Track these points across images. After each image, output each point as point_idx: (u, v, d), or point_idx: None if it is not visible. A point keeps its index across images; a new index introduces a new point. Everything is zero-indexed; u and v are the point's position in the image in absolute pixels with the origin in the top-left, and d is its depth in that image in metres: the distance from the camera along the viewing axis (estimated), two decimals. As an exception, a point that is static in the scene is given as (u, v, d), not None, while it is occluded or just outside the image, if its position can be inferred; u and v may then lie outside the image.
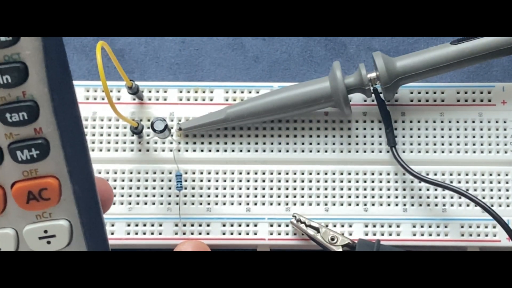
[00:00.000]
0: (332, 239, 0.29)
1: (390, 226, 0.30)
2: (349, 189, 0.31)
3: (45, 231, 0.18)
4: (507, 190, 0.31)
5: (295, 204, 0.31)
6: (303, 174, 0.31)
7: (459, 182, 0.31)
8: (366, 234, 0.30)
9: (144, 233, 0.30)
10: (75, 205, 0.18)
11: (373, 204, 0.31)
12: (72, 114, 0.18)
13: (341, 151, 0.31)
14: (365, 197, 0.31)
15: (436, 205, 0.31)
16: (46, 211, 0.18)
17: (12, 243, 0.18)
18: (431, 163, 0.31)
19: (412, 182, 0.31)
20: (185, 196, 0.31)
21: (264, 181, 0.31)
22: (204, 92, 0.32)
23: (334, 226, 0.30)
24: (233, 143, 0.31)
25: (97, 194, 0.19)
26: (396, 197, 0.31)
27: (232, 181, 0.31)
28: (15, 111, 0.17)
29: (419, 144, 0.31)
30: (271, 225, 0.30)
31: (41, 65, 0.17)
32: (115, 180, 0.31)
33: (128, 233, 0.30)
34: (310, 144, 0.31)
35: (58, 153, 0.18)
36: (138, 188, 0.31)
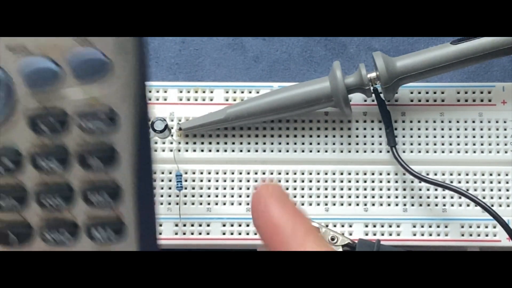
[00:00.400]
0: (332, 239, 0.29)
1: (390, 226, 0.30)
2: (349, 189, 0.31)
3: None
4: (507, 190, 0.31)
5: (295, 204, 0.31)
6: (303, 174, 0.31)
7: (459, 182, 0.31)
8: (366, 234, 0.30)
9: (144, 233, 0.30)
10: None
11: (373, 204, 0.31)
12: (150, 195, 0.18)
13: (341, 151, 0.31)
14: (365, 197, 0.31)
15: (436, 205, 0.31)
16: None
17: None
18: (431, 163, 0.31)
19: (412, 182, 0.31)
20: (185, 196, 0.31)
21: (264, 181, 0.31)
22: (204, 92, 0.32)
23: (334, 226, 0.30)
24: (233, 143, 0.31)
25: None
26: (396, 197, 0.31)
27: (232, 181, 0.31)
28: (100, 195, 0.17)
29: (419, 144, 0.31)
30: (271, 225, 0.30)
31: (131, 152, 0.17)
32: (115, 180, 0.31)
33: (128, 233, 0.30)
34: (310, 144, 0.31)
35: (132, 234, 0.18)
36: (138, 188, 0.31)
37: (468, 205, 0.31)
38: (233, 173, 0.31)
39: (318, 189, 0.31)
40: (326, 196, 0.31)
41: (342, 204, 0.31)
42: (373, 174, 0.31)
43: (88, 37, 0.16)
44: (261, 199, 0.23)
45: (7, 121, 0.16)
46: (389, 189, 0.31)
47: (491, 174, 0.31)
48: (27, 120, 0.16)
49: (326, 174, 0.31)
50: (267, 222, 0.23)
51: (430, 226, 0.30)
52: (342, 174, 0.31)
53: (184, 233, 0.30)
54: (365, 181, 0.31)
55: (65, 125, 0.16)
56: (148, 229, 0.18)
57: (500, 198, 0.31)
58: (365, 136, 0.31)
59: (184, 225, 0.30)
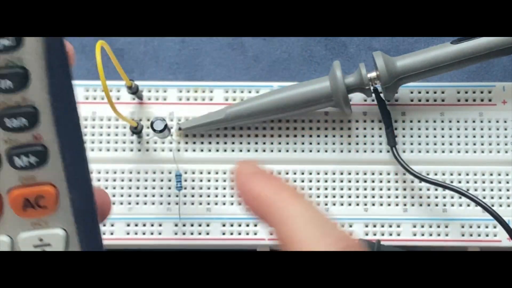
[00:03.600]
0: (332, 239, 0.29)
1: (390, 226, 0.30)
2: (349, 189, 0.31)
3: (41, 240, 0.18)
4: (508, 190, 0.31)
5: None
6: (303, 174, 0.31)
7: (460, 182, 0.31)
8: (366, 234, 0.30)
9: (144, 233, 0.30)
10: (71, 214, 0.18)
11: (373, 204, 0.31)
12: (73, 121, 0.18)
13: (341, 151, 0.31)
14: (365, 197, 0.31)
15: (437, 205, 0.31)
16: (42, 219, 0.18)
17: (7, 250, 0.18)
18: (431, 163, 0.31)
19: (412, 182, 0.31)
20: (185, 196, 0.31)
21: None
22: (204, 92, 0.32)
23: (334, 226, 0.30)
24: (233, 143, 0.31)
25: (95, 204, 0.19)
26: (396, 197, 0.31)
27: (232, 181, 0.31)
28: (15, 117, 0.17)
29: (419, 144, 0.31)
30: (271, 225, 0.30)
31: (43, 71, 0.17)
32: (115, 180, 0.31)
33: (128, 233, 0.30)
34: (310, 144, 0.31)
35: (56, 160, 0.17)
36: (138, 188, 0.31)
37: (468, 205, 0.30)
38: (233, 173, 0.31)
39: (318, 189, 0.31)
40: (326, 196, 0.31)
41: (342, 204, 0.31)
42: (373, 174, 0.31)
43: None
44: (241, 175, 0.24)
45: None
46: (389, 189, 0.31)
47: (491, 174, 0.31)
48: None
49: (326, 174, 0.31)
50: (250, 195, 0.23)
51: (430, 226, 0.30)
52: (342, 174, 0.31)
53: (184, 233, 0.30)
54: (365, 181, 0.31)
55: None
56: (74, 153, 0.18)
57: (500, 198, 0.31)
58: (365, 136, 0.31)
59: (184, 225, 0.30)
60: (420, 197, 0.31)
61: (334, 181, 0.31)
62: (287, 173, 0.31)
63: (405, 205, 0.31)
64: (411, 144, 0.31)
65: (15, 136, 0.17)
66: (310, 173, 0.31)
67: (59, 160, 0.18)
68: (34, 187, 0.17)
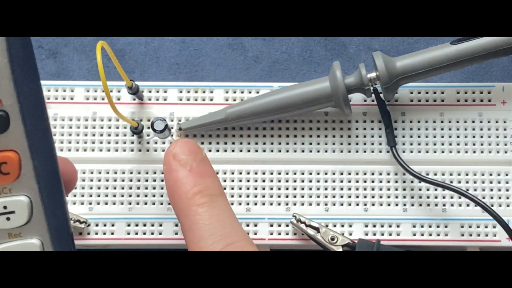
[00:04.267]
0: (332, 239, 0.29)
1: (390, 226, 0.30)
2: (349, 189, 0.31)
3: (5, 207, 0.18)
4: (507, 190, 0.31)
5: (295, 204, 0.31)
6: (303, 174, 0.31)
7: (459, 182, 0.31)
8: (366, 234, 0.30)
9: (144, 233, 0.30)
10: (35, 181, 0.18)
11: (373, 204, 0.31)
12: (34, 88, 0.17)
13: (341, 151, 0.31)
14: (365, 197, 0.31)
15: (436, 205, 0.31)
16: (6, 186, 0.18)
17: None
18: (431, 163, 0.31)
19: (412, 182, 0.31)
20: (185, 196, 0.31)
21: (264, 181, 0.31)
22: (204, 92, 0.32)
23: (334, 226, 0.30)
24: (233, 143, 0.31)
25: (59, 172, 0.19)
26: (396, 197, 0.31)
27: (232, 181, 0.31)
28: None
29: (419, 144, 0.31)
30: (271, 225, 0.30)
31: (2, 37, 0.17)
32: (115, 180, 0.31)
33: (128, 233, 0.30)
34: (310, 144, 0.31)
35: (18, 126, 0.17)
36: (138, 188, 0.31)
37: (468, 205, 0.31)
38: (233, 173, 0.31)
39: (318, 189, 0.31)
40: (326, 196, 0.31)
41: (342, 204, 0.31)
42: (373, 174, 0.31)
43: None
44: (169, 156, 0.24)
45: None
46: (389, 189, 0.31)
47: (491, 174, 0.31)
48: None
49: (326, 174, 0.31)
50: (171, 177, 0.23)
51: (430, 226, 0.30)
52: (342, 174, 0.31)
53: (184, 233, 0.30)
54: (365, 181, 0.31)
55: None
56: (35, 119, 0.18)
57: (500, 198, 0.31)
58: (365, 136, 0.31)
59: (184, 225, 0.30)
60: (420, 197, 0.31)
61: (334, 181, 0.31)
62: (287, 173, 0.31)
63: (404, 205, 0.31)
64: (411, 144, 0.31)
65: None
66: (310, 173, 0.31)
67: (21, 126, 0.17)
68: None
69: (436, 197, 0.31)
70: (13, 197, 0.18)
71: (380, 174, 0.31)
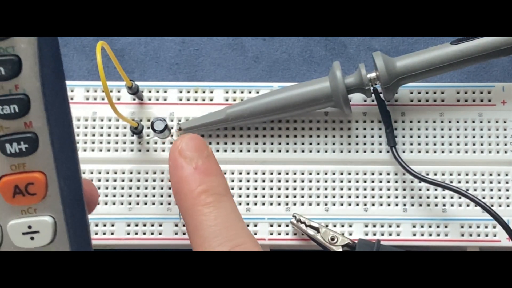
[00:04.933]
0: (332, 239, 0.29)
1: (390, 226, 0.30)
2: (349, 189, 0.31)
3: (29, 227, 0.18)
4: (507, 190, 0.31)
5: (295, 204, 0.31)
6: (303, 174, 0.31)
7: (459, 182, 0.31)
8: (366, 234, 0.30)
9: (144, 233, 0.30)
10: (60, 202, 0.18)
11: (373, 204, 0.31)
12: (63, 110, 0.18)
13: (341, 151, 0.31)
14: (365, 197, 0.31)
15: (436, 205, 0.31)
16: (32, 206, 0.18)
17: None
18: (431, 163, 0.31)
19: (412, 182, 0.31)
20: (185, 196, 0.31)
21: (264, 181, 0.31)
22: (204, 92, 0.32)
23: (334, 226, 0.30)
24: (233, 143, 0.31)
25: (83, 193, 0.19)
26: (396, 197, 0.31)
27: (232, 181, 0.31)
28: (7, 104, 0.17)
29: (419, 144, 0.31)
30: (271, 225, 0.30)
31: (35, 59, 0.17)
32: (115, 180, 0.31)
33: (128, 233, 0.30)
34: (310, 144, 0.31)
35: (46, 148, 0.18)
36: (138, 188, 0.31)
37: (468, 205, 0.31)
38: (233, 173, 0.31)
39: (318, 189, 0.31)
40: (326, 196, 0.31)
41: (342, 204, 0.31)
42: (373, 174, 0.31)
43: None
44: (175, 151, 0.24)
45: None
46: (389, 189, 0.31)
47: (491, 174, 0.31)
48: None
49: (326, 174, 0.31)
50: (176, 174, 0.23)
51: (430, 226, 0.30)
52: (342, 174, 0.31)
53: (184, 233, 0.30)
54: (365, 181, 0.31)
55: None
56: (63, 141, 0.18)
57: (500, 198, 0.31)
58: (365, 136, 0.31)
59: (184, 225, 0.30)
60: (420, 197, 0.31)
61: (334, 181, 0.31)
62: (287, 173, 0.31)
63: (404, 205, 0.31)
64: (411, 144, 0.31)
65: (6, 123, 0.17)
66: (310, 173, 0.31)
67: (49, 147, 0.18)
68: (24, 174, 0.18)
69: (436, 197, 0.31)
70: (38, 217, 0.18)
71: (380, 174, 0.31)
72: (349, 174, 0.31)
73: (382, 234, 0.30)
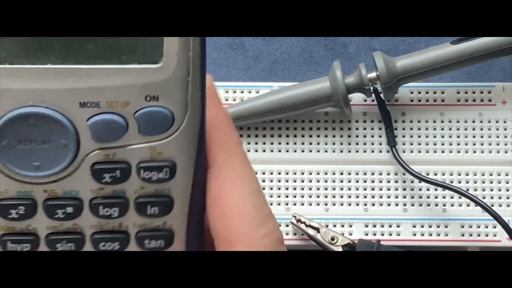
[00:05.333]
0: (332, 239, 0.29)
1: (390, 226, 0.30)
2: (349, 189, 0.31)
3: None
4: (507, 190, 0.31)
5: (295, 204, 0.31)
6: (303, 174, 0.31)
7: (459, 182, 0.31)
8: (366, 234, 0.30)
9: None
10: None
11: (373, 204, 0.31)
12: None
13: (341, 151, 0.31)
14: (365, 197, 0.31)
15: (436, 205, 0.31)
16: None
17: None
18: (431, 163, 0.31)
19: (412, 182, 0.31)
20: (185, 196, 0.31)
21: (264, 181, 0.31)
22: (204, 92, 0.32)
23: (334, 226, 0.30)
24: (233, 143, 0.31)
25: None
26: (396, 197, 0.31)
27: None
28: (154, 239, 0.18)
29: (419, 144, 0.31)
30: (271, 225, 0.30)
31: (185, 200, 0.18)
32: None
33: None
34: (310, 144, 0.31)
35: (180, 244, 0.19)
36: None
37: (468, 205, 0.31)
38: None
39: (318, 189, 0.31)
40: (326, 196, 0.31)
41: (342, 204, 0.31)
42: (373, 174, 0.31)
43: (155, 93, 0.17)
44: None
45: (72, 169, 0.17)
46: (389, 189, 0.31)
47: (491, 174, 0.31)
48: (91, 170, 0.17)
49: (326, 174, 0.31)
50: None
51: (430, 226, 0.30)
52: (342, 174, 0.31)
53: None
54: (365, 181, 0.31)
55: (127, 176, 0.17)
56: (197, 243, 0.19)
57: (500, 198, 0.31)
58: (365, 136, 0.31)
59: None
60: (420, 197, 0.31)
61: (334, 181, 0.31)
62: (287, 173, 0.31)
63: (405, 205, 0.31)
64: (411, 144, 0.31)
65: (147, 221, 0.18)
66: (310, 173, 0.31)
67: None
68: None
69: (436, 197, 0.31)
70: None
71: (380, 174, 0.31)
72: (349, 174, 0.31)
73: (382, 234, 0.30)
